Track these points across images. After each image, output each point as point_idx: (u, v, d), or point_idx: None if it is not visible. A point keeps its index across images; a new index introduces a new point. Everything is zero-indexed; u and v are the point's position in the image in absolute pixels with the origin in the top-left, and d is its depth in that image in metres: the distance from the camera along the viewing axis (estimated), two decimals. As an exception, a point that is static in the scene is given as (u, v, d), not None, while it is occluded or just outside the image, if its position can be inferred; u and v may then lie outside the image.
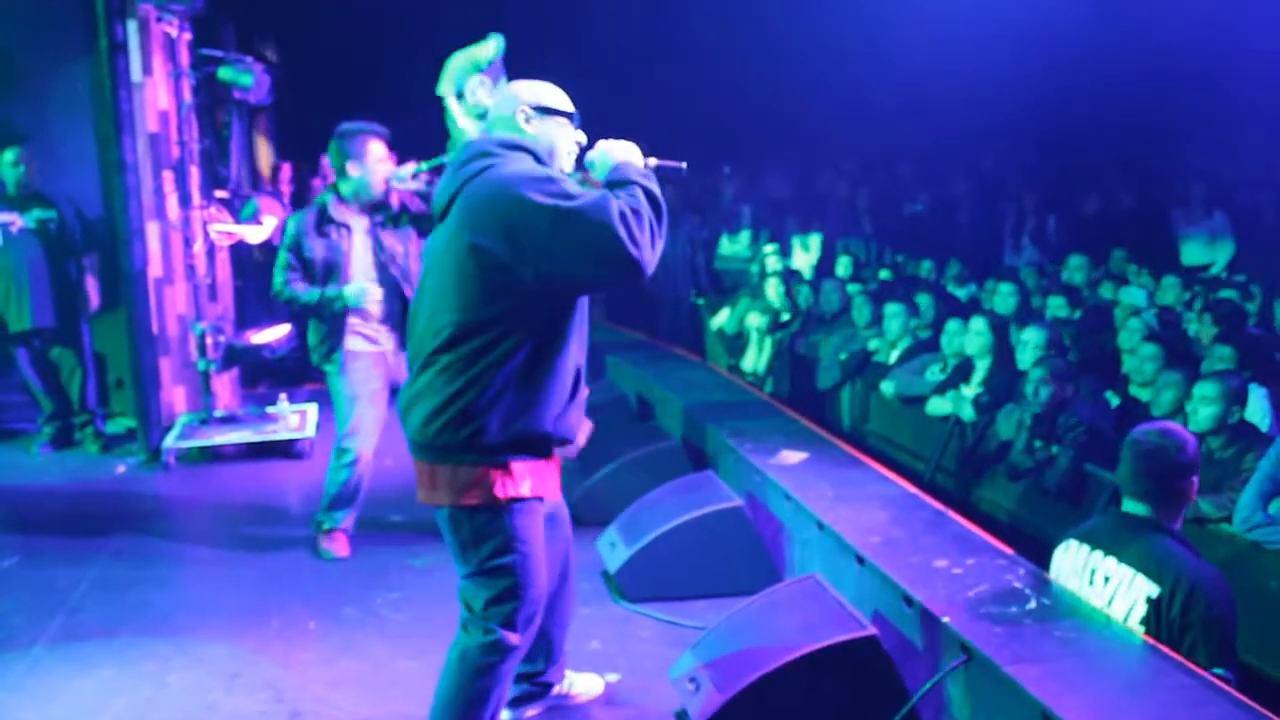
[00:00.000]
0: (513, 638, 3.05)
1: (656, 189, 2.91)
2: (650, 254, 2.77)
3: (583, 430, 3.19)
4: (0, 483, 6.65)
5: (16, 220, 6.93)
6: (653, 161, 3.11)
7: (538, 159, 3.01)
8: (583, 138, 3.18)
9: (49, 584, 4.94)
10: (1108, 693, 2.86)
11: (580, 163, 3.15)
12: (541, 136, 3.07)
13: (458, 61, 9.31)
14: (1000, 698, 2.93)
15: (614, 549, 4.83)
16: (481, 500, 2.94)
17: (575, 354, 3.03)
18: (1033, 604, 3.32)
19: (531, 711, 3.63)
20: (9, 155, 6.97)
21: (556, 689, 3.71)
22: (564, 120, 3.13)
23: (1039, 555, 3.82)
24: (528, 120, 3.07)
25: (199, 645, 4.28)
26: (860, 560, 3.80)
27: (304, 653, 4.23)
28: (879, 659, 3.31)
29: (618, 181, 2.90)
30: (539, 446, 2.99)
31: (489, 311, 2.84)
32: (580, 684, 3.79)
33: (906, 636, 3.44)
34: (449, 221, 2.93)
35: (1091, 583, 3.40)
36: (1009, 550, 3.79)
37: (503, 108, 3.13)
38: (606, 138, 3.13)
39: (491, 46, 9.17)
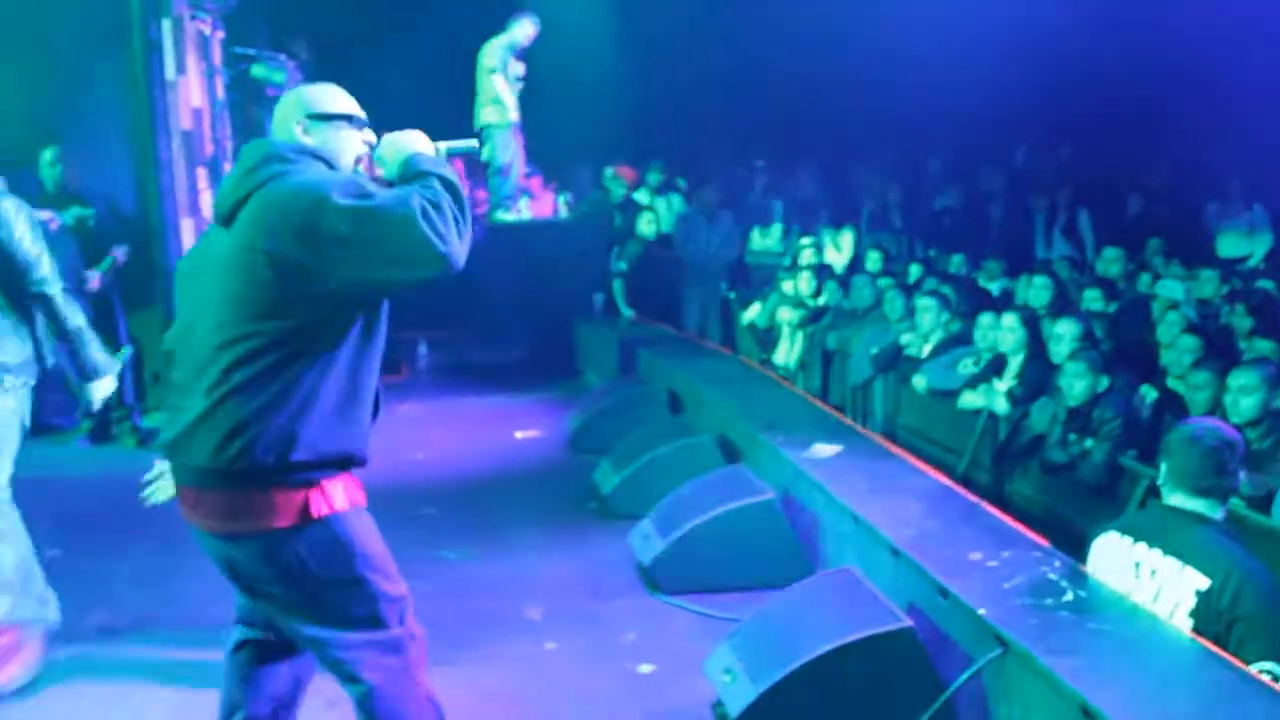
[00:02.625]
0: (399, 630, 2.83)
1: (453, 176, 2.74)
2: (458, 245, 2.61)
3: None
4: (41, 476, 6.68)
5: (55, 218, 7.01)
6: (444, 146, 2.95)
7: (329, 165, 2.84)
8: (371, 138, 2.96)
9: (90, 576, 5.00)
10: (1147, 685, 2.85)
11: (370, 163, 2.97)
12: (323, 145, 2.86)
13: (495, 45, 9.31)
14: (1037, 690, 2.92)
15: (648, 541, 4.84)
16: (298, 520, 2.68)
17: (375, 371, 2.82)
18: (1069, 596, 3.31)
19: None
20: (47, 155, 7.05)
21: None
22: (344, 124, 2.91)
23: (1073, 549, 3.80)
24: (306, 131, 2.85)
25: (237, 637, 4.32)
26: (895, 552, 3.79)
27: (340, 644, 4.24)
28: (915, 651, 3.30)
29: (411, 175, 2.74)
30: (346, 465, 2.76)
31: (288, 324, 2.62)
32: None
33: (942, 629, 3.43)
34: (236, 229, 2.70)
35: (1137, 575, 3.38)
36: (1044, 543, 3.77)
37: (282, 115, 2.90)
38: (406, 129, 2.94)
39: (528, 26, 9.16)
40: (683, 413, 6.84)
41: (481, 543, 5.30)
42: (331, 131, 2.88)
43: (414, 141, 2.86)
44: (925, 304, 7.25)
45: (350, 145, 2.91)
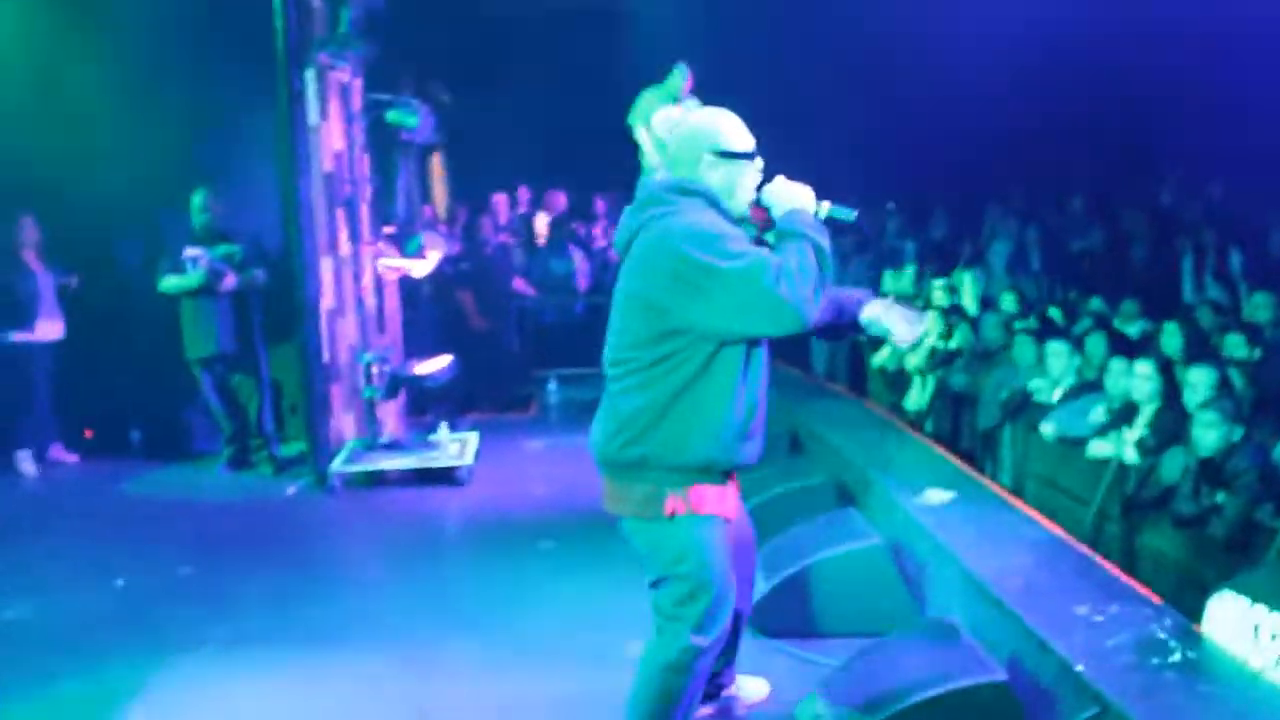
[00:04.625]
0: (698, 639, 3.17)
1: (825, 242, 2.98)
2: (810, 308, 2.86)
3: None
4: (184, 498, 7.12)
5: (203, 255, 7.40)
6: (825, 207, 3.14)
7: (714, 202, 3.09)
8: (760, 167, 3.20)
9: (220, 593, 5.26)
10: (1252, 754, 2.71)
11: (756, 199, 3.19)
12: (722, 181, 3.12)
13: (650, 96, 9.45)
14: (1133, 752, 2.82)
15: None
16: (657, 515, 3.11)
17: (748, 386, 3.11)
18: (1177, 656, 3.18)
19: (704, 711, 3.70)
20: (196, 200, 7.49)
21: (727, 690, 3.83)
22: (748, 162, 3.16)
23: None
24: (710, 166, 3.11)
25: (350, 658, 4.48)
26: (997, 604, 3.70)
27: (447, 670, 4.36)
28: (1009, 705, 3.21)
29: (788, 232, 2.99)
30: (709, 471, 3.11)
31: (661, 348, 3.00)
32: (748, 687, 3.92)
33: (1041, 684, 3.33)
34: (627, 263, 3.11)
35: (1256, 638, 3.23)
36: (1157, 600, 3.63)
37: (684, 149, 3.15)
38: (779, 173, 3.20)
39: (680, 80, 9.25)
40: (802, 455, 6.80)
41: (596, 577, 5.34)
42: (735, 169, 3.14)
43: (800, 197, 3.11)
44: (1055, 348, 7.05)
45: (748, 182, 3.17)
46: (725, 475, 3.17)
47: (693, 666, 3.19)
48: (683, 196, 3.05)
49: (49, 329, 7.81)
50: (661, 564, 3.16)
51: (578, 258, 11.01)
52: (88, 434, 8.26)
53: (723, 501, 3.18)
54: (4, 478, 7.62)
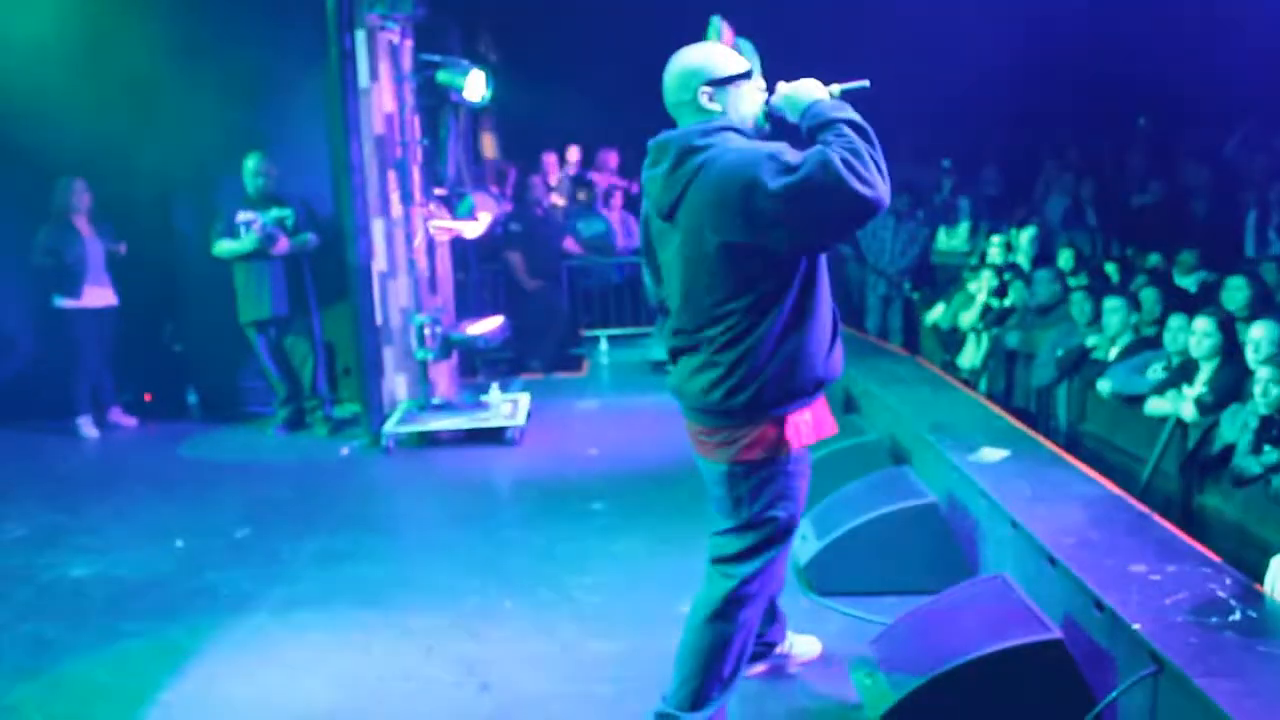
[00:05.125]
0: (751, 586, 3.18)
1: (857, 116, 2.89)
2: (883, 186, 2.78)
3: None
4: (240, 460, 7.23)
5: (256, 219, 7.46)
6: (836, 89, 3.04)
7: (737, 130, 3.01)
8: (763, 84, 3.13)
9: (276, 554, 5.34)
10: (1317, 715, 2.65)
11: (768, 114, 3.12)
12: (728, 108, 3.04)
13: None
14: (1192, 714, 2.77)
15: (805, 541, 4.81)
16: (762, 455, 3.08)
17: (827, 297, 3.10)
18: (1237, 616, 3.11)
19: (756, 669, 3.72)
20: (250, 164, 7.52)
21: (779, 648, 3.84)
22: (743, 82, 3.07)
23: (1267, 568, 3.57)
24: (711, 99, 3.03)
25: (403, 617, 4.53)
26: (1052, 561, 3.65)
27: (498, 630, 4.39)
28: (1064, 664, 3.17)
29: (817, 125, 2.90)
30: (811, 391, 3.10)
31: (752, 296, 2.95)
32: (800, 644, 3.91)
33: (1096, 643, 3.29)
34: (681, 225, 2.99)
35: (1319, 598, 3.17)
36: (1216, 558, 3.56)
37: (681, 94, 3.06)
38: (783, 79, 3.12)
39: (716, 34, 9.14)
40: (855, 413, 6.76)
41: (647, 538, 5.37)
42: (734, 93, 3.06)
43: (810, 89, 3.02)
44: (1113, 305, 6.92)
45: (751, 100, 3.10)
46: (819, 390, 3.15)
47: (738, 617, 3.19)
48: (709, 138, 2.95)
49: (97, 296, 7.85)
50: (757, 507, 3.13)
51: (615, 219, 10.98)
52: (147, 398, 8.41)
53: (824, 419, 3.21)
54: (67, 441, 7.79)
